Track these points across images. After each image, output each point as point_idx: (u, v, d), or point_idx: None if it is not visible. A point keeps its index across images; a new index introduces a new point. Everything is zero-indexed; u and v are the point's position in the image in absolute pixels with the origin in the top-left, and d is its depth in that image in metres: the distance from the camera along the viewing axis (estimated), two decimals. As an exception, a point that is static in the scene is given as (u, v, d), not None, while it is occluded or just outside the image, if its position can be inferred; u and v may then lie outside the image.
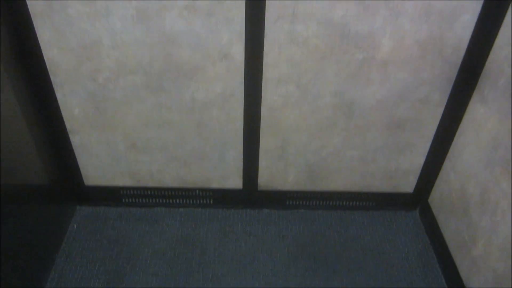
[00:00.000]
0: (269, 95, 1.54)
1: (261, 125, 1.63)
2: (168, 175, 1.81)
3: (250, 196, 1.89)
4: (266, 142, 1.69)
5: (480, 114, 1.50)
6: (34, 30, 1.36)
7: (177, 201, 1.92)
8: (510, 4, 1.33)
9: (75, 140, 1.68)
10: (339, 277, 1.68)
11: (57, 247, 1.73)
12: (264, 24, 1.36)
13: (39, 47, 1.41)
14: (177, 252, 1.74)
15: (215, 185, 1.85)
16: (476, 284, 1.48)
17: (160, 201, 1.91)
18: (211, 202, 1.92)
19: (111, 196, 1.89)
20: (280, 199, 1.91)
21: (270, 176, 1.82)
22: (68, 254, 1.72)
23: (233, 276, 1.67)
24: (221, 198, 1.91)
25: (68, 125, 1.63)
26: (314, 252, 1.77)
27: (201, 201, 1.92)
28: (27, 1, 1.30)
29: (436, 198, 1.82)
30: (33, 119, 1.53)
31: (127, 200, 1.91)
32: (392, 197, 1.91)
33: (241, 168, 1.78)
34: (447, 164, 1.73)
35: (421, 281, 1.68)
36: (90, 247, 1.75)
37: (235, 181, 1.84)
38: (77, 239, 1.78)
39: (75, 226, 1.83)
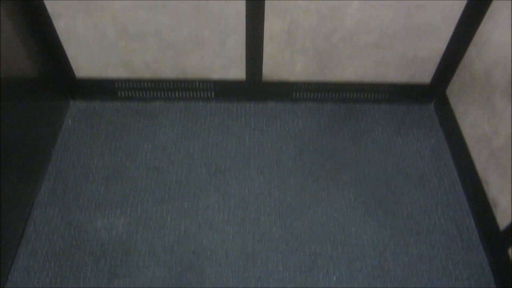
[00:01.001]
0: (275, -33, 1.34)
1: (266, 5, 1.45)
2: (165, 65, 1.67)
3: (254, 88, 1.76)
4: (271, 25, 1.52)
5: (517, -12, 1.31)
6: None
7: (176, 94, 1.79)
8: None
9: (60, 25, 1.52)
10: (347, 170, 1.61)
11: (53, 142, 1.66)
12: None
13: None
14: (178, 146, 1.67)
15: (216, 76, 1.72)
16: (493, 177, 1.40)
17: (159, 94, 1.79)
18: (212, 95, 1.80)
19: (105, 89, 1.77)
20: (286, 91, 1.78)
21: (275, 65, 1.67)
22: (65, 149, 1.65)
23: (237, 170, 1.60)
24: (223, 90, 1.78)
25: (50, 7, 1.46)
26: (321, 145, 1.68)
27: (202, 94, 1.80)
28: None
29: (455, 88, 1.68)
30: (9, 4, 1.35)
31: (123, 93, 1.79)
32: (407, 88, 1.78)
33: (244, 56, 1.63)
34: (471, 50, 1.57)
35: (433, 174, 1.61)
36: (87, 142, 1.68)
37: (237, 71, 1.70)
38: (73, 134, 1.70)
39: (70, 121, 1.74)
